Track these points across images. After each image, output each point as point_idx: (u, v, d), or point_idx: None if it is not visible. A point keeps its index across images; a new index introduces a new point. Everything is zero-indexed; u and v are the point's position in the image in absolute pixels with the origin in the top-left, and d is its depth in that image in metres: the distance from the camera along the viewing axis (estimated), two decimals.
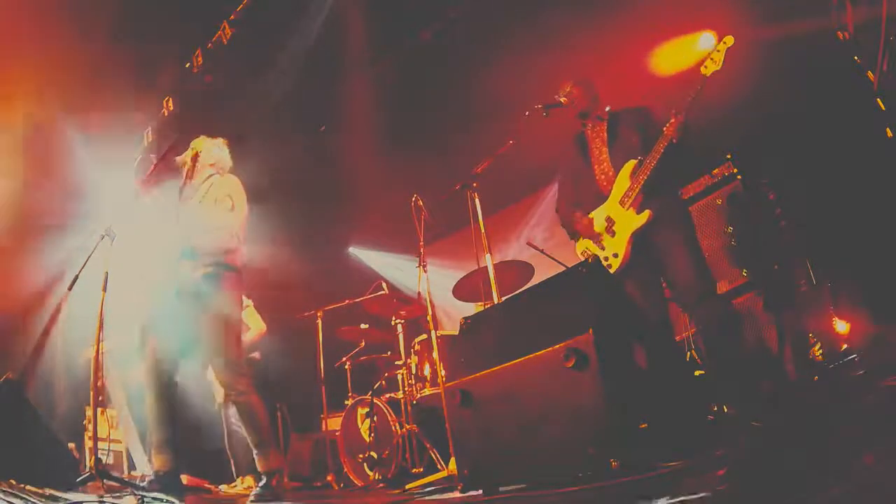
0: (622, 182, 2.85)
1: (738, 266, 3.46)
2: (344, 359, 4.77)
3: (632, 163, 2.83)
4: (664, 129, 2.71)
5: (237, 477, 4.17)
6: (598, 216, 2.94)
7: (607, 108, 3.08)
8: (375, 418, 3.93)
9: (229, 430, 4.25)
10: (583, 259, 2.92)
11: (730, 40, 2.67)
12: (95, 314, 2.83)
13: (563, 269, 2.66)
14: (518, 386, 2.02)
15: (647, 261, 2.80)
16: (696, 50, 4.65)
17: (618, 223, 2.86)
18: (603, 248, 2.90)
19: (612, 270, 2.86)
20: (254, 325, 4.55)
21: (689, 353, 3.52)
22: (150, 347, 2.91)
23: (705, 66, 2.68)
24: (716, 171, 3.64)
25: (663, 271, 2.78)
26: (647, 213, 2.76)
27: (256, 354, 4.49)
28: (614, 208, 2.87)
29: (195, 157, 3.16)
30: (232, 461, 4.25)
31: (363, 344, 4.81)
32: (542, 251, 4.05)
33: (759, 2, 4.23)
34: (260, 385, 2.99)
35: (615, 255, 2.84)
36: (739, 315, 3.36)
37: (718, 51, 2.67)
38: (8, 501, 1.90)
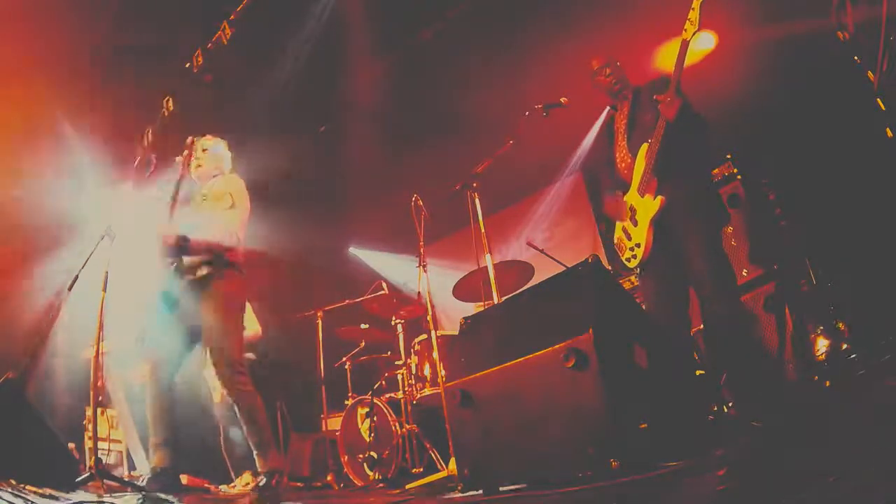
0: (639, 168, 2.75)
1: (738, 266, 3.46)
2: (344, 359, 4.77)
3: (645, 146, 2.72)
4: (659, 107, 2.61)
5: (235, 477, 4.17)
6: (624, 206, 2.86)
7: (633, 87, 2.97)
8: (375, 418, 3.92)
9: (225, 429, 4.25)
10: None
11: None
12: (95, 314, 2.83)
13: (563, 269, 2.66)
14: (518, 386, 2.02)
15: (669, 249, 2.69)
16: (695, 49, 4.64)
17: (638, 212, 2.77)
18: (630, 239, 2.82)
19: (636, 261, 2.78)
20: (249, 326, 4.55)
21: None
22: (152, 346, 2.91)
23: (685, 30, 2.57)
24: (716, 171, 3.64)
25: (681, 262, 2.66)
26: (659, 198, 2.66)
27: (251, 355, 4.48)
28: (635, 196, 2.78)
29: (189, 157, 3.16)
30: (227, 461, 4.25)
31: (363, 344, 4.81)
32: (542, 251, 4.06)
33: (758, 2, 4.23)
34: (260, 385, 2.99)
35: (638, 245, 2.76)
36: (749, 316, 3.33)
37: (693, 9, 2.55)
38: (8, 501, 1.90)
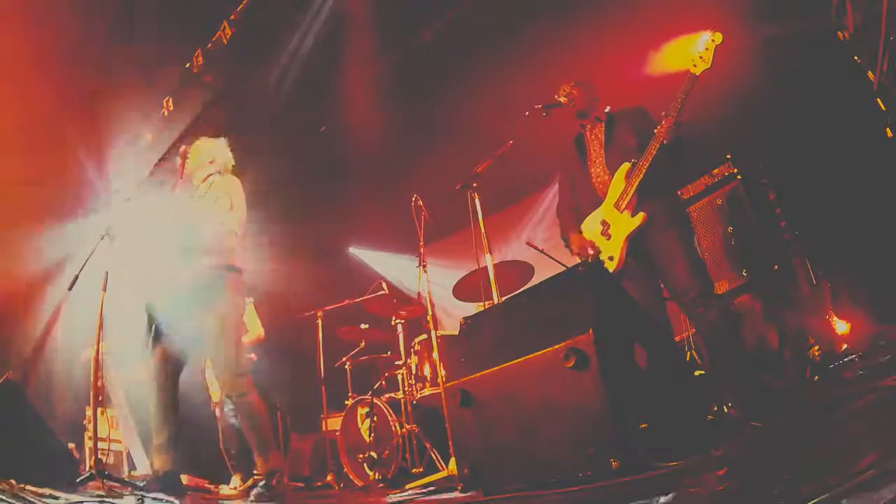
0: (617, 185, 2.84)
1: (738, 266, 3.46)
2: (344, 359, 4.77)
3: (626, 165, 2.82)
4: (656, 130, 2.69)
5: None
6: (594, 219, 2.93)
7: (606, 109, 3.05)
8: (375, 418, 3.92)
9: (224, 429, 4.25)
10: (582, 259, 2.91)
11: (718, 38, 2.59)
12: (95, 314, 2.83)
13: (563, 269, 2.66)
14: (518, 386, 2.02)
15: (643, 263, 2.79)
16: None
17: (613, 226, 2.85)
18: (599, 252, 2.89)
19: None
20: (252, 329, 4.55)
21: (689, 354, 3.52)
22: (155, 347, 2.91)
23: (694, 65, 2.62)
24: (716, 171, 3.64)
25: (660, 274, 2.77)
26: (641, 215, 2.75)
27: (252, 356, 4.50)
28: (609, 211, 2.86)
29: (185, 155, 3.16)
30: (227, 461, 4.25)
31: (363, 344, 4.81)
32: (542, 251, 4.05)
33: (758, 2, 4.23)
34: (260, 385, 2.99)
35: (611, 259, 2.83)
36: (737, 315, 3.35)
37: (707, 49, 2.60)
38: (8, 501, 1.90)
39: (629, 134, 2.90)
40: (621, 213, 2.81)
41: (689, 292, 2.65)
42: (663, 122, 2.66)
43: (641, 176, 2.73)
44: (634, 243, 2.79)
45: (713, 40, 2.60)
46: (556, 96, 3.09)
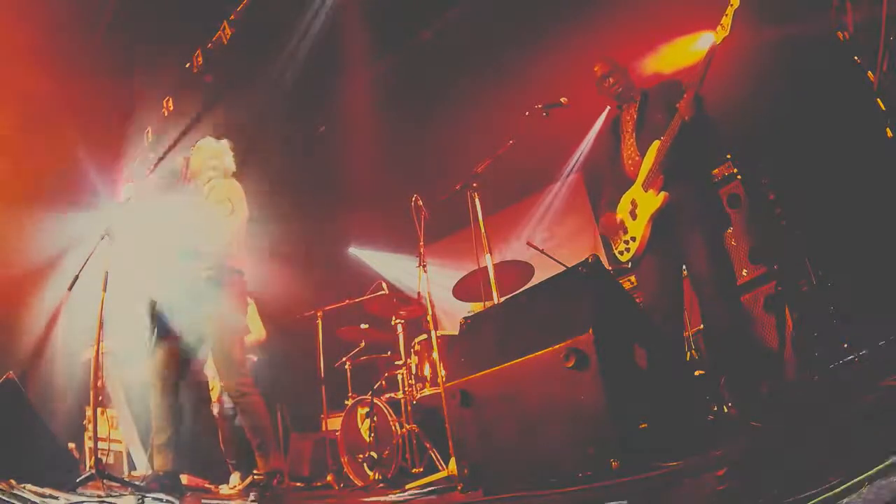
0: (647, 165, 2.78)
1: (738, 266, 3.46)
2: (344, 359, 4.77)
3: (657, 143, 2.74)
4: (678, 105, 2.62)
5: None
6: (626, 199, 2.88)
7: (640, 89, 3.00)
8: (375, 418, 3.92)
9: (224, 429, 4.25)
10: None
11: (736, 1, 2.54)
12: (95, 314, 2.83)
13: (563, 269, 2.66)
14: (518, 386, 2.02)
15: (666, 246, 2.71)
16: (695, 50, 4.64)
17: (640, 206, 2.79)
18: (626, 232, 2.85)
19: (629, 255, 2.81)
20: (254, 330, 4.55)
21: (689, 353, 3.51)
22: (157, 348, 2.91)
23: (716, 34, 2.57)
24: (716, 171, 3.64)
25: (683, 259, 2.69)
26: (663, 195, 2.68)
27: (253, 357, 4.50)
28: (638, 191, 2.81)
29: (188, 157, 3.16)
30: (227, 461, 4.25)
31: (363, 344, 4.81)
32: (542, 251, 4.05)
33: (759, 2, 4.23)
34: (260, 385, 2.99)
35: (633, 239, 2.79)
36: (746, 317, 3.33)
37: (727, 15, 2.56)
38: (8, 501, 1.90)
39: (659, 111, 2.81)
40: (647, 192, 2.75)
41: (706, 286, 2.59)
42: (684, 97, 2.61)
43: (665, 154, 2.66)
44: (659, 225, 2.72)
45: (731, 5, 2.55)
46: (598, 78, 3.01)
